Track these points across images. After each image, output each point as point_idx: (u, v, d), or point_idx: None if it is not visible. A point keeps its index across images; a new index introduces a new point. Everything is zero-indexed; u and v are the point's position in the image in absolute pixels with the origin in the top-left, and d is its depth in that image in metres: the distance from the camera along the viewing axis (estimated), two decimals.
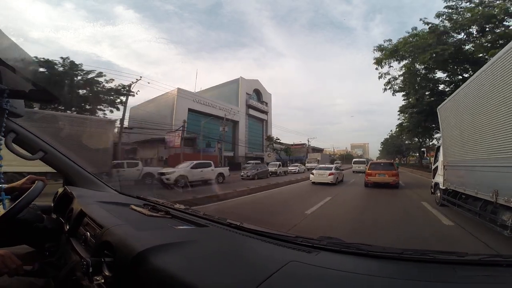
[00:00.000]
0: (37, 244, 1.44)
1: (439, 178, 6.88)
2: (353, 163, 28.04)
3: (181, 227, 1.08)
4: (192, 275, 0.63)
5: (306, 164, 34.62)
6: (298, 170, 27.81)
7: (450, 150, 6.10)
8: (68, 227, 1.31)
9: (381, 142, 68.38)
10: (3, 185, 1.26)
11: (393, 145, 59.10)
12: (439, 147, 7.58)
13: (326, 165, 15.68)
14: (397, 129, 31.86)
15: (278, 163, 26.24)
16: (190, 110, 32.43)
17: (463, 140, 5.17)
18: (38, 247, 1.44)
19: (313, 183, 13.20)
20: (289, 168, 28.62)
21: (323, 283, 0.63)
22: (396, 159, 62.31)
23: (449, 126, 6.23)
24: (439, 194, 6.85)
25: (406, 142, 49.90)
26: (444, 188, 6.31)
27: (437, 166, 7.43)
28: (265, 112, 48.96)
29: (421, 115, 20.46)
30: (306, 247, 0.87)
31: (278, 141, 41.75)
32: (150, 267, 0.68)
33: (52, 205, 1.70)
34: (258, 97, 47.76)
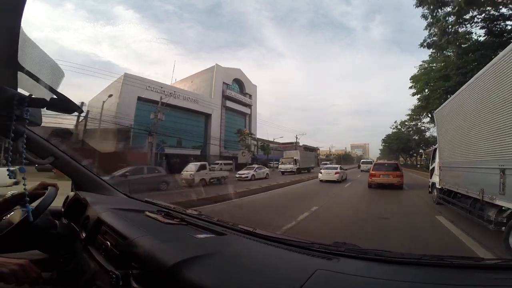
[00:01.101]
0: (50, 251, 1.42)
1: (435, 178, 7.33)
2: (361, 163, 32.06)
3: (200, 236, 1.08)
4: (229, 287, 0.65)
5: (280, 166, 27.03)
6: (253, 175, 19.16)
7: (445, 152, 6.55)
8: (84, 235, 1.30)
9: (382, 139, 55.98)
10: (15, 191, 1.29)
11: (397, 141, 46.01)
12: (435, 149, 8.02)
13: (332, 166, 18.51)
14: (418, 103, 22.78)
15: (199, 163, 15.66)
16: (140, 99, 27.00)
17: (456, 143, 5.63)
18: (51, 253, 1.42)
19: (321, 181, 15.16)
20: (239, 172, 20.08)
21: None
22: (401, 158, 54.63)
23: (444, 130, 6.69)
24: (435, 193, 7.30)
25: (415, 137, 41.35)
26: (440, 187, 6.76)
27: (434, 167, 7.88)
28: (248, 105, 42.56)
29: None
30: (325, 253, 0.90)
31: (253, 136, 34.13)
32: (185, 280, 0.69)
33: (63, 210, 1.67)
34: (240, 88, 42.07)
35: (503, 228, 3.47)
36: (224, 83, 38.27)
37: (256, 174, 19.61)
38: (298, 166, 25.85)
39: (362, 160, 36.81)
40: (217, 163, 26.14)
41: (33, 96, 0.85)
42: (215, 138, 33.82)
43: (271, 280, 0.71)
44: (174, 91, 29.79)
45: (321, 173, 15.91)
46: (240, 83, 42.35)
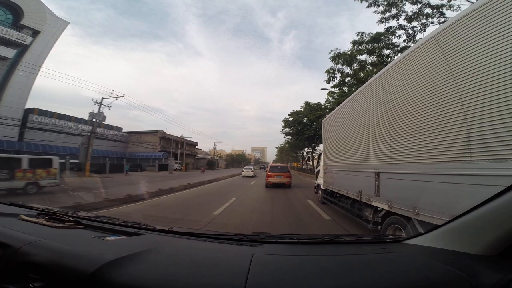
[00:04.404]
0: None
1: (320, 180, 8.19)
2: (269, 166, 45.80)
3: (111, 238, 1.02)
4: (173, 285, 0.64)
5: None
6: None
7: (329, 156, 7.34)
8: None
9: (283, 121, 33.22)
10: None
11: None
12: (321, 153, 9.08)
13: (250, 166, 27.98)
14: None
15: None
16: None
17: (338, 149, 6.28)
18: None
19: (243, 176, 23.12)
20: None
21: (288, 266, 0.82)
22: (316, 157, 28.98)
23: (328, 137, 7.51)
24: (320, 193, 8.15)
25: None
26: (324, 188, 7.54)
27: (319, 170, 8.87)
28: (16, 44, 24.81)
29: None
30: (251, 242, 1.05)
31: None
32: (114, 284, 0.66)
33: None
34: (14, 16, 25.14)
35: (379, 227, 3.79)
36: None
37: None
38: None
39: (269, 164, 48.47)
40: None
41: None
42: None
43: (217, 270, 0.74)
44: None
45: (243, 171, 24.27)
46: (11, 8, 25.04)
